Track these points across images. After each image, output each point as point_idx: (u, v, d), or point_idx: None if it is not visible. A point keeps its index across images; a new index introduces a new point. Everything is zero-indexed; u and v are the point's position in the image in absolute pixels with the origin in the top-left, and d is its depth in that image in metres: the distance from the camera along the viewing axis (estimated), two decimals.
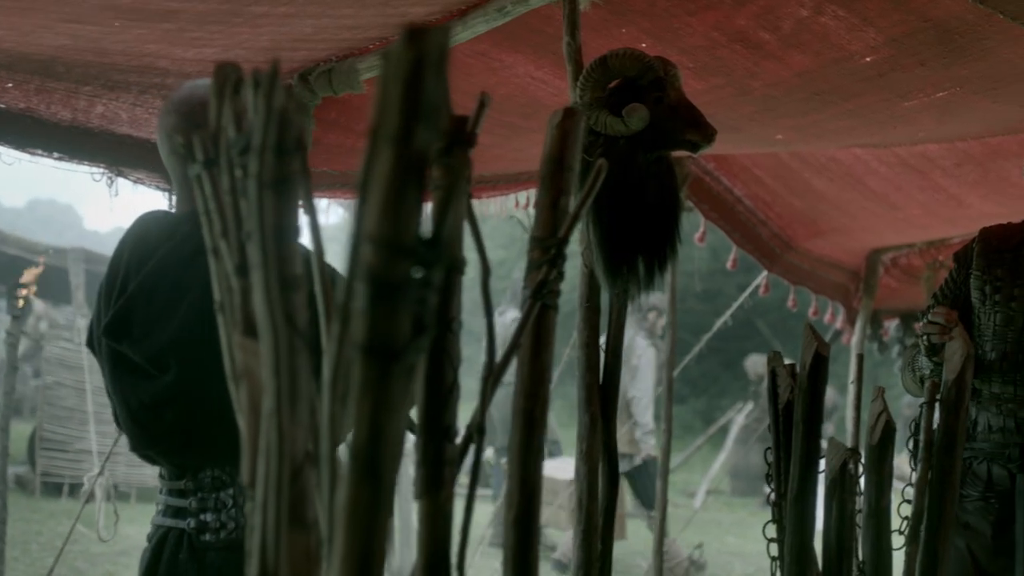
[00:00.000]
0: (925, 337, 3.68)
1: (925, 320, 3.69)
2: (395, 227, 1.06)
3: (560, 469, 10.14)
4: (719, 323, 9.56)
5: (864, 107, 4.71)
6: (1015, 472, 3.78)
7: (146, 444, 2.96)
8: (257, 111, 1.32)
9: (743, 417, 16.26)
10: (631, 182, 3.05)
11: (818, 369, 2.61)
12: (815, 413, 2.62)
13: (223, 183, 1.51)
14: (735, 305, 8.90)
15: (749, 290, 8.51)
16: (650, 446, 10.20)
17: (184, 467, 2.93)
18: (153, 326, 2.87)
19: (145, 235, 2.98)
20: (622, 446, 10.10)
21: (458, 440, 1.46)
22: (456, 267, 1.44)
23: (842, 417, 14.11)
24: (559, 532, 10.92)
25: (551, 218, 1.62)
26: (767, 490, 2.85)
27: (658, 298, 10.59)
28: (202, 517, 2.88)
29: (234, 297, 1.49)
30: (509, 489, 1.64)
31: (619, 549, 10.21)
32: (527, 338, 1.63)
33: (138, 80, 4.05)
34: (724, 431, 17.31)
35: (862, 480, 2.85)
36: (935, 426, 2.99)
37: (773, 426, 2.78)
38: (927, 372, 3.83)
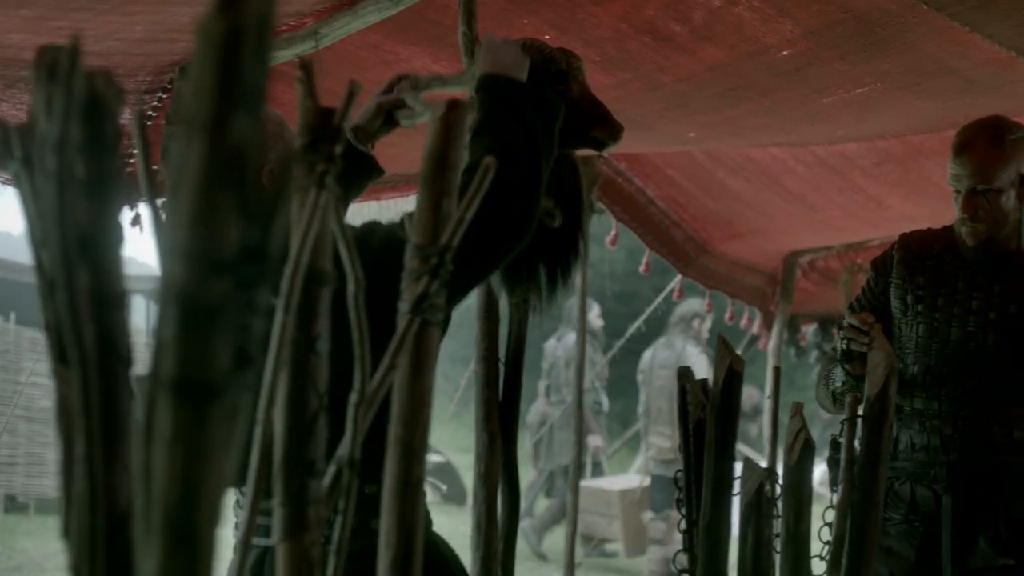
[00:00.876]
0: (844, 342, 3.49)
1: (846, 324, 3.49)
2: (209, 237, 0.86)
3: (609, 483, 11.09)
4: (632, 328, 9.48)
5: (781, 103, 4.59)
6: (941, 493, 3.59)
7: None
8: (55, 99, 1.11)
9: None
10: None
11: (731, 385, 2.44)
12: (728, 432, 2.47)
13: (38, 183, 1.30)
14: (648, 311, 8.82)
15: (663, 295, 8.42)
16: None
17: None
18: None
19: None
20: (676, 453, 10.38)
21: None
22: (318, 279, 1.27)
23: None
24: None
25: (432, 223, 1.43)
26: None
27: (698, 304, 10.57)
28: None
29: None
30: (386, 529, 1.44)
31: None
32: (405, 358, 1.43)
33: (2, 73, 3.81)
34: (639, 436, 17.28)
35: (779, 503, 2.70)
36: (857, 444, 2.83)
37: (684, 446, 2.63)
38: (839, 385, 3.66)
